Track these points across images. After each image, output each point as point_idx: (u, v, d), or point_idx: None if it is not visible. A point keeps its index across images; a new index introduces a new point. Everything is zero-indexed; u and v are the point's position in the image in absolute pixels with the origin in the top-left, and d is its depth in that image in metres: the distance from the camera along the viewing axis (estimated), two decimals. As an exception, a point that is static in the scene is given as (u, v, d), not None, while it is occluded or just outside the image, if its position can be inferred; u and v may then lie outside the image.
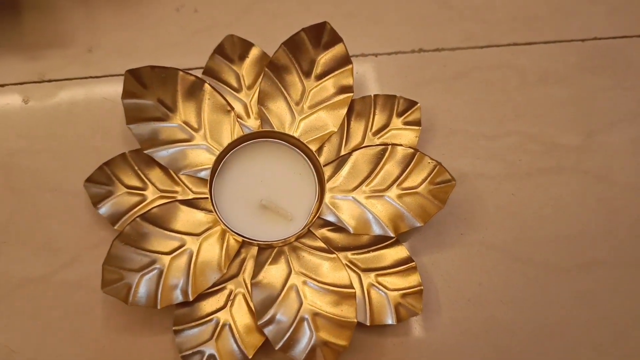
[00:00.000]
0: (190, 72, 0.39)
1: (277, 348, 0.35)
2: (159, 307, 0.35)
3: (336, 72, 0.40)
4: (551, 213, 0.41)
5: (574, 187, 0.42)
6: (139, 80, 0.38)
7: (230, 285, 0.37)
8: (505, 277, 0.40)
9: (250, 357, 0.35)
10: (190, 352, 0.35)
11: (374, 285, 0.37)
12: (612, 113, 0.44)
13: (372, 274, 0.38)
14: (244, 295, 0.37)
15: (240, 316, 0.37)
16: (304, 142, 0.39)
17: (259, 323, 0.35)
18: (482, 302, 0.39)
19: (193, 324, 0.36)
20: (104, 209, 0.38)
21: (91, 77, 0.43)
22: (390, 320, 0.36)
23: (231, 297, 0.37)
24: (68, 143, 0.41)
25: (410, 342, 0.38)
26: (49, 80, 0.43)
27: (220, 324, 0.36)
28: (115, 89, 0.42)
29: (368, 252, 0.38)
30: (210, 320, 0.36)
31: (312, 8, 0.45)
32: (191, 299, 0.36)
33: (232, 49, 0.41)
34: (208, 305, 0.37)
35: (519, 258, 0.40)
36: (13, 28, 0.44)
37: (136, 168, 0.39)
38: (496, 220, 0.41)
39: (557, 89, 0.44)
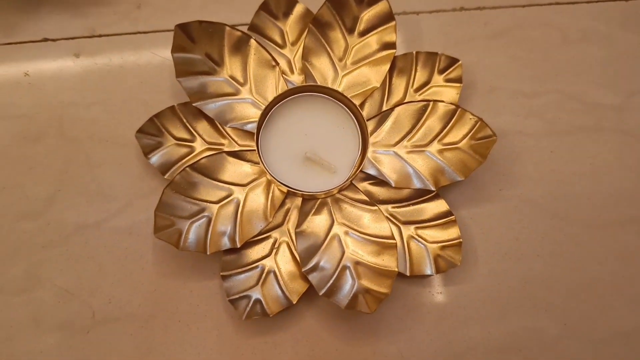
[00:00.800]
0: (236, 27, 0.40)
1: (321, 294, 0.36)
2: (208, 253, 0.37)
3: (379, 29, 0.41)
4: (589, 171, 0.42)
5: (612, 146, 0.42)
6: (188, 35, 0.39)
7: (275, 234, 0.39)
8: (542, 233, 0.40)
9: (294, 302, 0.37)
10: (237, 296, 0.37)
11: (413, 237, 0.39)
12: None
13: (412, 227, 0.39)
14: (288, 244, 0.38)
15: (284, 264, 0.38)
16: (348, 96, 0.39)
17: (303, 270, 0.37)
18: (519, 256, 0.40)
19: (240, 270, 0.37)
20: (155, 158, 0.39)
21: (140, 32, 0.44)
22: (429, 270, 0.38)
23: (276, 246, 0.38)
24: (118, 96, 0.43)
25: (448, 292, 0.39)
26: (99, 36, 0.44)
27: (266, 270, 0.38)
28: (163, 44, 0.44)
29: (408, 205, 0.39)
30: (256, 267, 0.38)
31: None
32: (239, 245, 0.37)
33: (277, 6, 0.42)
34: (254, 252, 0.38)
35: (556, 214, 0.41)
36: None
37: (184, 120, 0.40)
38: (534, 176, 0.41)
39: (598, 48, 0.44)
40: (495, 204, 0.41)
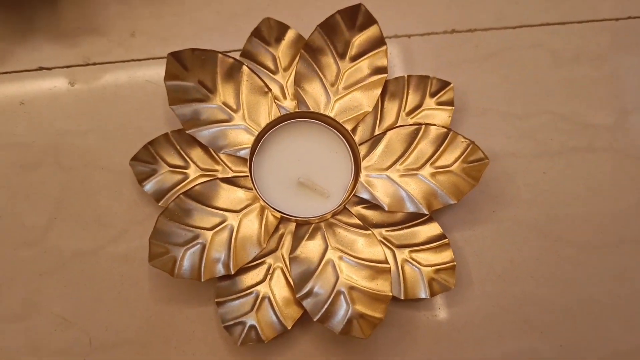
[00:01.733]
0: (228, 54, 0.40)
1: (315, 319, 0.36)
2: (202, 280, 0.37)
3: (371, 54, 0.41)
4: (582, 192, 0.42)
5: (605, 166, 0.42)
6: (180, 63, 0.40)
7: (269, 260, 0.39)
8: (536, 254, 0.41)
9: (289, 328, 0.37)
10: (232, 322, 0.37)
11: (407, 261, 0.39)
12: None
13: (406, 250, 0.39)
14: (282, 270, 0.39)
15: (279, 289, 0.38)
16: (340, 121, 0.40)
17: (297, 296, 0.37)
18: (513, 278, 0.40)
19: (234, 296, 0.38)
20: (149, 186, 0.40)
21: (134, 60, 0.45)
22: (423, 294, 0.38)
23: (270, 271, 0.39)
24: (113, 123, 0.43)
25: (443, 315, 0.39)
26: (94, 64, 0.44)
27: (260, 296, 0.38)
28: (157, 71, 0.44)
29: (402, 228, 0.40)
30: (251, 292, 0.38)
31: None
32: (232, 272, 0.37)
33: (269, 32, 0.42)
34: (248, 278, 0.38)
35: (550, 235, 0.41)
36: (54, 15, 0.45)
37: (178, 147, 0.40)
38: (527, 198, 0.42)
39: (590, 68, 0.45)
40: (489, 226, 0.41)
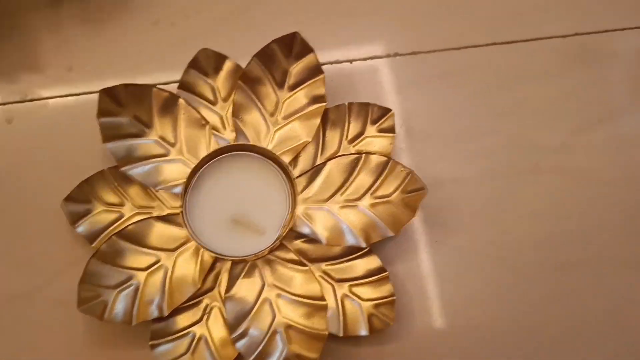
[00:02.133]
0: (166, 87, 0.39)
1: (241, 365, 0.35)
2: (133, 324, 0.36)
3: (308, 82, 0.40)
4: (528, 215, 0.41)
5: (552, 188, 0.41)
6: (113, 99, 0.39)
7: (206, 299, 0.38)
8: (482, 282, 0.39)
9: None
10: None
11: (347, 295, 0.38)
12: (593, 111, 0.43)
13: (346, 285, 0.38)
14: (220, 309, 0.38)
15: (216, 329, 0.37)
16: (277, 154, 0.39)
17: (231, 337, 0.36)
18: (457, 308, 0.39)
19: (169, 338, 0.37)
20: (82, 227, 0.39)
21: (71, 95, 0.44)
22: (363, 331, 0.37)
23: (207, 311, 0.37)
24: (50, 161, 0.42)
25: (385, 351, 0.38)
26: (31, 100, 0.44)
27: (196, 337, 0.37)
28: (94, 106, 0.43)
29: (341, 262, 0.38)
30: (187, 334, 0.37)
31: (285, 17, 0.44)
32: (166, 314, 0.36)
33: (207, 63, 0.41)
34: (184, 319, 0.37)
35: (495, 262, 0.40)
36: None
37: (115, 184, 0.40)
38: (473, 224, 0.40)
39: (537, 88, 0.43)
40: (432, 256, 0.40)
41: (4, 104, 0.43)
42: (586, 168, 0.42)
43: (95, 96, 0.42)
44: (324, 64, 0.42)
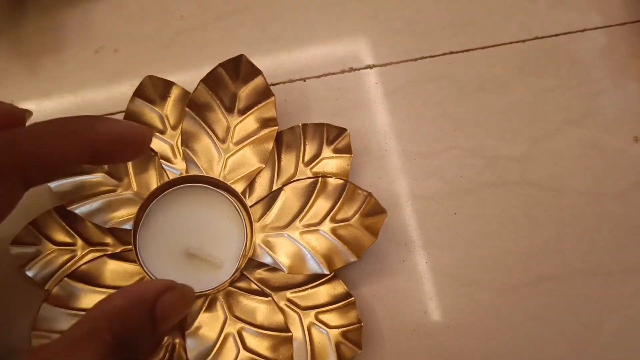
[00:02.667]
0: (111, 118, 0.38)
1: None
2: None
3: (258, 106, 0.39)
4: (496, 229, 0.40)
5: (518, 200, 0.40)
6: (56, 135, 0.37)
7: (167, 338, 0.36)
8: (450, 303, 0.38)
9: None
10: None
11: (314, 323, 0.37)
12: (557, 116, 0.42)
13: (312, 312, 0.37)
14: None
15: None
16: (230, 182, 0.38)
17: (190, 375, 0.35)
18: (427, 331, 0.38)
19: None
20: (32, 271, 0.37)
21: None
22: (333, 356, 0.35)
23: (169, 349, 0.36)
24: None
25: None
26: None
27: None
28: None
29: (306, 289, 0.37)
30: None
31: (235, 35, 0.43)
32: (125, 356, 0.35)
33: (152, 90, 0.40)
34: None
35: (464, 281, 0.39)
36: None
37: (63, 223, 0.38)
38: (438, 242, 0.39)
39: (497, 96, 0.42)
40: (399, 277, 0.39)
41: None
42: (551, 177, 0.41)
43: None
44: (275, 84, 0.41)
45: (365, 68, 0.43)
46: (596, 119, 0.42)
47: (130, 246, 0.37)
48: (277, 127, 0.39)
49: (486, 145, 0.41)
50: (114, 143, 0.29)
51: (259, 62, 0.39)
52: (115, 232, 0.38)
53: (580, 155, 0.41)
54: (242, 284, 0.37)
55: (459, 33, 0.44)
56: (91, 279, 0.36)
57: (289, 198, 0.38)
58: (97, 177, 0.38)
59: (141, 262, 0.36)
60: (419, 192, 0.40)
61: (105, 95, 0.42)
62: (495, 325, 0.38)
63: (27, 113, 0.31)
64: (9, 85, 0.43)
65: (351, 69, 0.43)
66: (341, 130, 0.39)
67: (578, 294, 0.39)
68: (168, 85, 0.40)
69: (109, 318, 0.25)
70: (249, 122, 0.39)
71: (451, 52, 0.43)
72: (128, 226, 0.37)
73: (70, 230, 0.38)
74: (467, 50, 0.44)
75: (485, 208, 0.40)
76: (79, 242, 0.38)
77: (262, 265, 0.38)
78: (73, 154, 0.28)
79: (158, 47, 0.43)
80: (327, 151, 0.39)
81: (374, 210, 0.37)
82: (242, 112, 0.39)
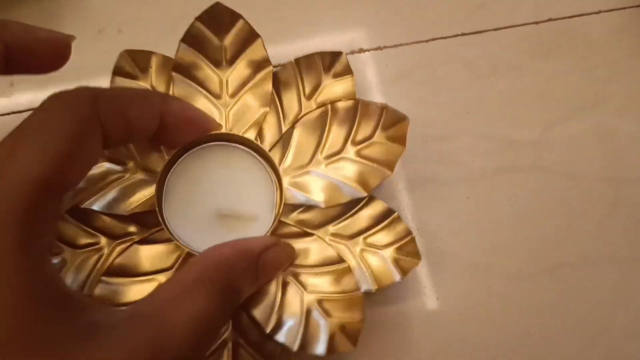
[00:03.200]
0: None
1: (295, 349, 0.33)
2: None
3: (246, 51, 0.38)
4: (509, 216, 0.39)
5: (533, 186, 0.39)
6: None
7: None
8: (462, 291, 0.37)
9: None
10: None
11: (365, 249, 0.36)
12: (571, 100, 0.41)
13: (360, 239, 0.36)
14: (242, 309, 0.35)
15: (245, 332, 0.35)
16: (239, 134, 0.36)
17: (267, 333, 0.33)
18: (439, 319, 0.37)
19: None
20: (66, 280, 0.35)
21: (14, 112, 0.40)
22: (397, 276, 0.35)
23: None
24: None
25: None
26: None
27: (230, 345, 0.34)
28: None
29: (346, 218, 0.36)
30: (224, 344, 0.34)
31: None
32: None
33: (131, 65, 0.38)
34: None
35: (476, 268, 0.38)
36: None
37: (81, 225, 0.36)
38: (450, 228, 0.38)
39: (510, 80, 0.41)
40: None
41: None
42: (565, 162, 0.40)
43: None
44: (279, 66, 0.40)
45: (376, 49, 0.42)
46: (611, 104, 0.41)
47: (157, 228, 0.36)
48: (271, 67, 0.37)
49: (499, 130, 0.40)
50: (183, 122, 0.31)
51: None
52: (136, 219, 0.36)
53: (594, 140, 0.41)
54: (282, 232, 0.36)
55: (471, 14, 0.43)
56: (129, 271, 0.35)
57: (302, 135, 0.37)
58: (101, 168, 0.36)
59: (175, 236, 0.34)
60: (431, 176, 0.39)
61: (108, 75, 0.38)
62: (508, 313, 0.37)
63: (71, 37, 0.31)
64: None
65: (361, 50, 0.42)
66: (335, 54, 0.38)
67: (592, 281, 0.38)
68: (146, 55, 0.38)
69: (218, 265, 0.26)
70: (241, 70, 0.38)
71: (463, 34, 0.42)
72: (149, 207, 0.35)
73: (90, 230, 0.36)
74: (480, 32, 0.42)
75: (499, 193, 0.39)
76: (103, 239, 0.36)
77: (296, 208, 0.36)
78: (146, 121, 0.29)
79: (162, 28, 0.41)
80: (326, 78, 0.38)
81: (394, 120, 0.36)
82: (231, 61, 0.38)
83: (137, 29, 0.42)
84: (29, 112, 0.38)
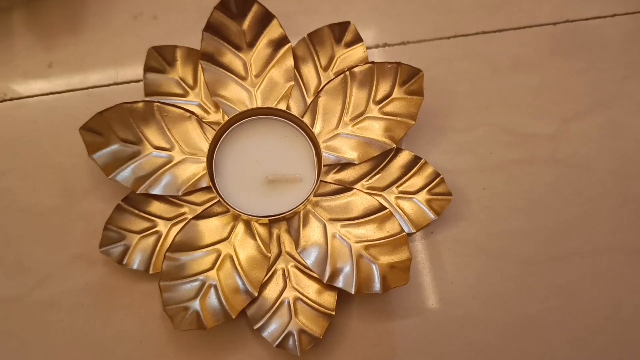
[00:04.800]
0: (134, 101, 0.38)
1: (354, 292, 0.36)
2: (233, 317, 0.36)
3: (264, 32, 0.40)
4: (524, 205, 0.41)
5: (547, 178, 0.42)
6: (95, 132, 0.37)
7: (280, 265, 0.38)
8: (477, 274, 0.40)
9: (333, 313, 0.36)
10: (279, 340, 0.36)
11: (399, 197, 0.39)
12: (587, 98, 0.43)
13: (393, 189, 0.39)
14: (296, 267, 0.38)
15: (305, 288, 0.37)
16: (272, 106, 0.39)
17: (325, 281, 0.36)
18: (454, 300, 0.39)
19: (269, 314, 0.37)
20: (132, 262, 0.37)
21: (52, 93, 0.42)
22: (432, 215, 0.38)
23: (287, 275, 0.38)
24: (33, 162, 0.41)
25: (386, 338, 0.39)
26: (10, 99, 0.42)
27: (290, 301, 0.37)
28: (76, 103, 0.42)
29: (378, 172, 0.40)
30: (282, 302, 0.37)
31: (272, 5, 0.41)
32: (256, 294, 0.36)
33: (159, 60, 0.40)
34: (272, 291, 0.37)
35: (491, 253, 0.40)
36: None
37: (137, 212, 0.38)
38: (467, 216, 0.41)
39: (529, 76, 0.44)
40: (428, 248, 0.40)
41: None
42: (580, 156, 0.42)
43: (76, 94, 0.42)
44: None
45: (400, 44, 0.44)
46: (625, 102, 0.43)
47: (208, 204, 0.38)
48: (290, 43, 0.40)
49: (518, 123, 0.43)
50: None
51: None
52: (186, 199, 0.39)
53: (609, 135, 0.43)
54: (323, 191, 0.39)
55: (493, 13, 0.45)
56: (190, 245, 0.37)
57: (327, 102, 0.40)
58: (148, 155, 0.39)
59: (230, 204, 0.37)
60: (450, 166, 0.41)
61: (142, 60, 0.41)
62: (520, 298, 0.39)
63: None
64: (51, 45, 0.43)
65: (385, 45, 0.44)
66: (344, 25, 0.41)
67: (602, 271, 0.40)
68: (171, 50, 0.41)
69: None
70: (262, 51, 0.41)
71: (484, 32, 0.44)
72: (201, 185, 0.38)
73: (145, 215, 0.38)
74: (500, 31, 0.44)
75: (515, 184, 0.41)
76: (158, 221, 0.38)
77: (331, 168, 0.40)
78: None
79: (197, 14, 0.43)
80: (339, 50, 0.41)
81: (409, 75, 0.39)
82: (251, 44, 0.41)
83: (172, 15, 0.44)
84: (66, 93, 0.42)
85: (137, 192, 0.38)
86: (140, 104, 0.38)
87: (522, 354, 0.38)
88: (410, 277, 0.36)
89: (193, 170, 0.39)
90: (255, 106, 0.40)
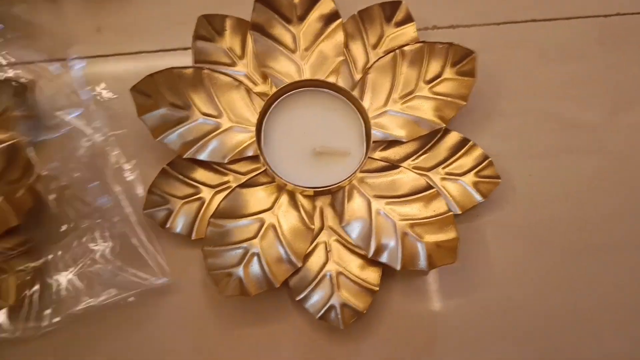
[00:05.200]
0: (184, 66, 0.38)
1: (399, 269, 0.36)
2: (277, 286, 0.35)
3: (316, 6, 0.40)
4: (569, 193, 0.41)
5: (593, 167, 0.42)
6: (145, 94, 0.37)
7: (322, 238, 0.38)
8: (520, 259, 0.40)
9: (377, 289, 0.36)
10: (322, 312, 0.36)
11: (445, 178, 0.39)
12: (635, 90, 0.43)
13: (440, 169, 0.39)
14: (338, 241, 0.38)
15: (347, 263, 0.37)
16: (323, 79, 0.39)
17: (370, 256, 0.36)
18: (498, 284, 0.39)
19: (312, 285, 0.36)
20: (175, 226, 0.37)
21: (100, 55, 0.42)
22: (478, 197, 0.38)
23: (328, 249, 0.37)
24: None
25: (428, 317, 0.38)
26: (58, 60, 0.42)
27: (333, 275, 0.37)
28: (125, 67, 0.42)
29: (425, 152, 0.39)
30: (324, 275, 0.37)
31: None
32: (300, 264, 0.36)
33: (207, 29, 0.40)
34: (315, 263, 0.37)
35: (534, 239, 0.40)
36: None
37: (181, 177, 0.38)
38: (512, 201, 0.40)
39: (578, 66, 0.44)
40: (472, 231, 0.40)
41: (30, 62, 0.41)
42: (626, 148, 0.42)
43: (126, 57, 0.42)
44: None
45: (449, 27, 0.44)
46: None
47: (252, 172, 0.38)
48: (341, 19, 0.40)
49: (565, 111, 0.43)
50: None
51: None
52: (230, 167, 0.39)
53: None
54: (369, 167, 0.39)
55: (544, 2, 0.45)
56: (234, 213, 0.37)
57: (376, 79, 0.40)
58: (196, 121, 0.38)
59: (276, 173, 0.37)
60: (497, 151, 0.40)
61: (192, 27, 0.41)
62: (563, 285, 0.39)
63: None
64: (99, 10, 0.43)
65: (435, 27, 0.44)
66: (395, 4, 0.41)
67: (637, 264, 0.40)
68: (221, 19, 0.40)
69: None
70: (312, 25, 0.40)
71: (534, 20, 0.45)
72: (247, 154, 0.38)
73: (189, 181, 0.38)
74: (551, 20, 0.45)
75: (560, 172, 0.41)
76: (203, 188, 0.38)
77: (378, 145, 0.39)
78: None
79: None
80: (388, 28, 0.41)
81: (462, 56, 0.39)
82: (302, 18, 0.40)
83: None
84: (114, 57, 0.42)
85: (184, 157, 0.37)
86: (190, 70, 0.38)
87: (563, 341, 0.38)
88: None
89: (240, 138, 0.38)
90: (310, 77, 0.40)
